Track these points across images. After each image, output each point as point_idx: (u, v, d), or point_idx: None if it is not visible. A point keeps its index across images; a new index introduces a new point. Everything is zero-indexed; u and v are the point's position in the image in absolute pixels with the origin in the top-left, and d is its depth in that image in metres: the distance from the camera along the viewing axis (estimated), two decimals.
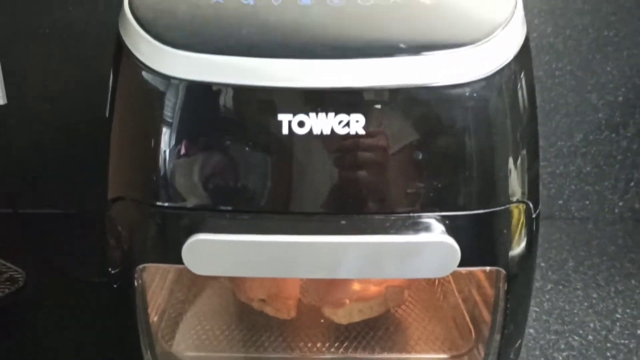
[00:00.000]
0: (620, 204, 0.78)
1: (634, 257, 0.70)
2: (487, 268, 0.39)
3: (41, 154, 0.76)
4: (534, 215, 0.38)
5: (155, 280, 0.48)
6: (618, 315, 0.59)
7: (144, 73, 0.37)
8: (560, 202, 0.79)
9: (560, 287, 0.64)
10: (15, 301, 0.60)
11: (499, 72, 0.35)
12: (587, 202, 0.78)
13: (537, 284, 0.65)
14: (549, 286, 0.65)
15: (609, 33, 0.72)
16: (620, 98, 0.75)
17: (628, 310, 0.60)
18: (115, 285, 0.41)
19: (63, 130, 0.75)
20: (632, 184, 0.78)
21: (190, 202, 0.37)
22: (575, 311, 0.60)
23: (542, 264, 0.69)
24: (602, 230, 0.76)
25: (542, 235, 0.75)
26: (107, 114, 0.40)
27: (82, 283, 0.63)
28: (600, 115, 0.75)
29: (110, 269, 0.40)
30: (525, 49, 0.37)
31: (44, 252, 0.67)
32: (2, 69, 0.74)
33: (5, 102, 0.76)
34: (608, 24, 0.72)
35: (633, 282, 0.65)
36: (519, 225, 0.38)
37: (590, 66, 0.74)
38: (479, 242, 0.37)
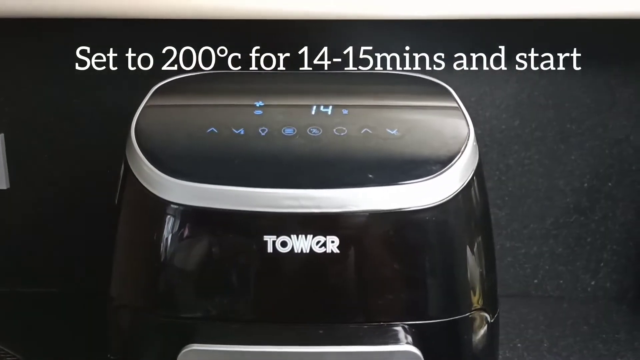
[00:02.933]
0: (593, 283, 0.83)
1: (605, 337, 0.74)
2: None
3: (41, 234, 0.80)
4: (491, 320, 0.43)
5: None
6: None
7: (145, 196, 0.42)
8: (536, 281, 0.83)
9: None
10: None
11: (455, 197, 0.41)
12: (562, 282, 0.83)
13: None
14: None
15: (572, 126, 0.79)
16: (586, 184, 0.81)
17: None
18: None
19: (64, 210, 0.79)
20: (602, 264, 0.82)
21: (185, 313, 0.41)
22: None
23: (519, 345, 0.72)
24: (577, 310, 0.80)
25: (520, 315, 0.79)
26: (111, 228, 0.45)
27: None
28: (568, 200, 0.81)
29: None
30: (478, 173, 0.43)
31: (42, 334, 0.69)
32: (8, 156, 0.80)
33: (8, 186, 0.80)
34: (570, 118, 0.78)
35: None
36: (479, 330, 0.42)
37: (555, 155, 0.80)
38: (443, 347, 0.42)
